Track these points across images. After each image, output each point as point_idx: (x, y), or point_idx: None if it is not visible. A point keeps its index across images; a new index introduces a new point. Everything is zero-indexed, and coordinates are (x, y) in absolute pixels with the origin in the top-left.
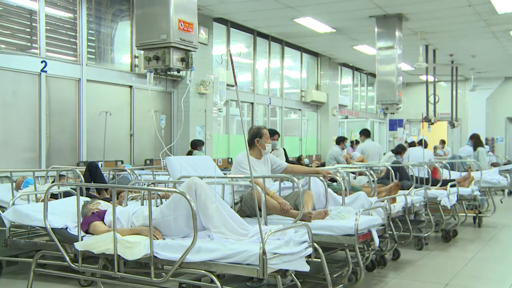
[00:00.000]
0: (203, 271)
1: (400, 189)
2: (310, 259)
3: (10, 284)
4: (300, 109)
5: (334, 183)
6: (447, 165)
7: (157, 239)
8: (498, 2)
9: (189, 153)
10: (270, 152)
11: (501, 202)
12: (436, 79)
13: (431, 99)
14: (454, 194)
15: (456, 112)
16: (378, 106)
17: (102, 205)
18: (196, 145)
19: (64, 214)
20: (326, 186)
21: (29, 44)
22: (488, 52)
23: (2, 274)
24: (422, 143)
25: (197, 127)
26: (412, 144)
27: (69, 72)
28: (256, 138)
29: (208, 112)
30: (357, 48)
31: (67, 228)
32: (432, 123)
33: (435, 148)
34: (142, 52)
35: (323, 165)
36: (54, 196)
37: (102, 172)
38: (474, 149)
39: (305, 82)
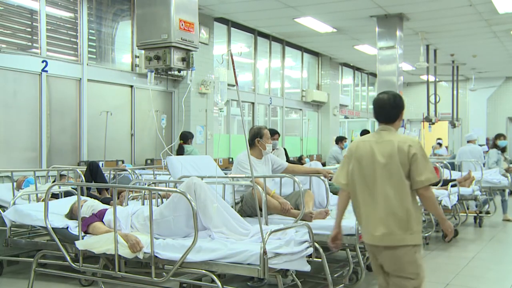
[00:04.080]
0: (204, 271)
1: None
2: (311, 258)
3: (11, 284)
4: (301, 109)
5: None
6: (448, 164)
7: (138, 250)
8: (499, 2)
9: (180, 148)
10: (271, 152)
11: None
12: (437, 79)
13: (432, 99)
14: (455, 194)
15: (457, 112)
16: None
17: (89, 201)
18: (187, 137)
19: (64, 214)
20: (327, 186)
21: (30, 43)
22: (489, 52)
23: (3, 273)
24: None
25: (198, 127)
26: None
27: (70, 72)
28: (256, 138)
29: (209, 112)
30: (358, 48)
31: (68, 227)
32: (433, 123)
33: (433, 148)
34: (143, 51)
35: (323, 165)
36: (55, 196)
37: (103, 172)
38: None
39: (306, 82)
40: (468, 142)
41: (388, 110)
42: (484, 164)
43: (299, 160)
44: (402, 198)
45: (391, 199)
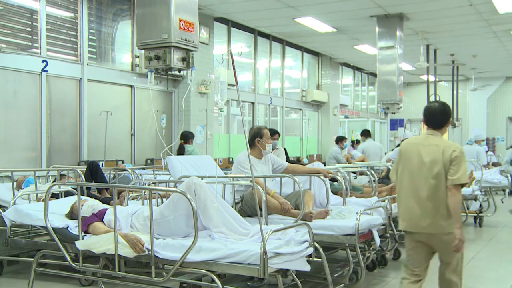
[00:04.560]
0: (203, 271)
1: None
2: (311, 258)
3: (11, 284)
4: (301, 109)
5: (335, 183)
6: None
7: (140, 248)
8: (499, 2)
9: (181, 147)
10: (271, 152)
11: (502, 202)
12: (437, 79)
13: (432, 99)
14: None
15: (457, 112)
16: (379, 105)
17: (89, 201)
18: (188, 137)
19: (64, 213)
20: (328, 186)
21: (30, 43)
22: (489, 52)
23: (3, 273)
24: None
25: (198, 127)
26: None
27: (70, 72)
28: (256, 138)
29: (209, 111)
30: (358, 48)
31: (68, 227)
32: None
33: None
34: (143, 51)
35: (324, 165)
36: (55, 196)
37: (103, 172)
38: None
39: (306, 81)
40: (475, 142)
41: (438, 117)
42: (488, 164)
43: (298, 162)
44: (444, 194)
45: (435, 195)
